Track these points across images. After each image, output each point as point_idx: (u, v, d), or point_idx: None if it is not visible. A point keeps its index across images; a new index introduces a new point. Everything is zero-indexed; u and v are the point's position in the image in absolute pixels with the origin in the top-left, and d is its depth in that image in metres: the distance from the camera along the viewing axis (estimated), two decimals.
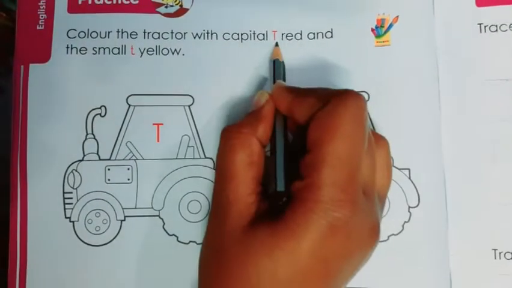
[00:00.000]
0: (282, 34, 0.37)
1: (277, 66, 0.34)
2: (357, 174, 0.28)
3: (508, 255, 0.34)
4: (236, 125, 0.31)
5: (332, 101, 0.28)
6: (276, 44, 0.36)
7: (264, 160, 0.31)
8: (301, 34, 0.37)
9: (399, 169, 0.35)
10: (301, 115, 0.30)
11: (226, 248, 0.28)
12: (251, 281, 0.27)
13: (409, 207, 0.35)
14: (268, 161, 0.31)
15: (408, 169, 0.35)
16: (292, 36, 0.37)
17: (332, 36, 0.37)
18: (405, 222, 0.35)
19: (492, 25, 0.36)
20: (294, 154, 0.30)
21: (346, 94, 0.28)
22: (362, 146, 0.28)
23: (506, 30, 0.36)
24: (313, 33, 0.37)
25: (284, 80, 0.35)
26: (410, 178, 0.35)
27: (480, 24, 0.36)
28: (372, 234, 0.28)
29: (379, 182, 0.30)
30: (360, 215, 0.27)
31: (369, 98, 0.36)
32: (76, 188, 0.35)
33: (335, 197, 0.26)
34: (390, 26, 0.37)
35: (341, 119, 0.27)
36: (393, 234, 0.34)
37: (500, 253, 0.34)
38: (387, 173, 0.31)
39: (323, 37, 0.37)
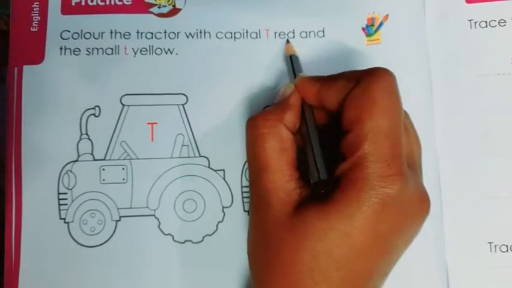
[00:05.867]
0: (275, 33, 0.37)
1: (294, 61, 0.35)
2: (401, 147, 0.28)
3: (504, 248, 0.34)
4: (262, 113, 0.31)
5: (363, 79, 0.28)
6: (287, 41, 0.37)
7: (296, 147, 0.30)
8: (293, 33, 0.37)
9: None
10: (332, 100, 0.30)
11: (275, 237, 0.28)
12: (308, 264, 0.27)
13: None
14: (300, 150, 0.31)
15: None
16: (284, 35, 0.37)
17: (323, 35, 0.37)
18: None
19: (482, 21, 0.37)
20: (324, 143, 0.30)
21: (376, 70, 0.29)
22: (400, 119, 0.28)
23: (495, 26, 0.37)
24: (306, 32, 0.37)
25: (300, 70, 0.35)
26: None
27: (470, 20, 0.37)
28: (423, 205, 0.29)
29: (414, 149, 0.31)
30: (408, 187, 0.27)
31: None
32: (71, 189, 0.35)
33: (382, 172, 0.27)
34: (381, 24, 0.37)
35: (376, 94, 0.28)
36: None
37: (495, 246, 0.34)
38: (416, 139, 0.32)
39: (315, 36, 0.37)
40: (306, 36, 0.37)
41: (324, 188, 0.29)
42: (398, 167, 0.27)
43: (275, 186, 0.29)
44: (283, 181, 0.29)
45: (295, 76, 0.34)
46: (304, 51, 0.37)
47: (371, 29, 0.37)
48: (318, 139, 0.31)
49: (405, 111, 0.31)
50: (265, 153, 0.29)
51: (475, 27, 0.37)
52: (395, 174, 0.27)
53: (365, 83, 0.28)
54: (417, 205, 0.28)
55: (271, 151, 0.29)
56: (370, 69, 0.29)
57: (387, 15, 0.37)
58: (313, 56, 0.37)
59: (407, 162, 0.28)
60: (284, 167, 0.29)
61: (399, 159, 0.27)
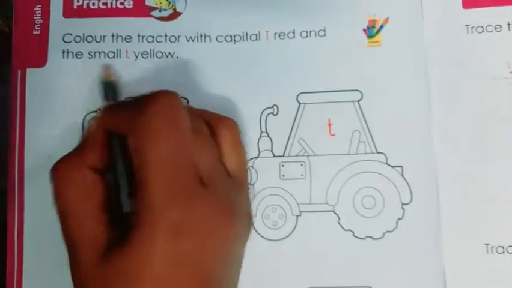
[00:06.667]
0: (275, 34, 0.37)
1: (107, 88, 0.30)
2: (188, 171, 0.27)
3: (500, 250, 0.35)
4: (63, 158, 0.28)
5: (142, 106, 0.27)
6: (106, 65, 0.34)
7: (107, 185, 0.28)
8: (294, 33, 0.37)
9: (392, 167, 0.36)
10: (126, 129, 0.27)
11: (85, 285, 0.27)
12: None
13: (402, 204, 0.35)
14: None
15: (401, 167, 0.36)
16: (285, 35, 0.37)
17: (324, 35, 0.37)
18: (399, 219, 0.35)
19: (478, 26, 0.37)
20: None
21: (155, 95, 0.27)
22: (183, 141, 0.27)
23: (491, 31, 0.37)
24: (306, 32, 0.37)
25: (116, 98, 0.30)
26: (402, 175, 0.35)
27: (467, 25, 0.37)
28: (225, 217, 0.27)
29: (231, 163, 0.30)
30: (203, 207, 0.26)
31: (362, 96, 0.36)
32: None
33: (167, 202, 0.25)
34: (381, 27, 0.37)
35: (152, 120, 0.26)
36: (387, 231, 0.35)
37: (492, 247, 0.35)
38: (237, 152, 0.31)
39: (316, 35, 0.37)
40: (307, 36, 0.37)
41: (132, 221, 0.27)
42: (184, 193, 0.26)
43: (81, 234, 0.27)
44: (89, 227, 0.27)
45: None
46: (305, 50, 0.37)
47: (372, 30, 0.37)
48: (129, 170, 0.27)
49: (228, 124, 0.31)
50: (68, 201, 0.27)
51: (472, 32, 0.37)
52: (181, 200, 0.26)
53: (142, 110, 0.27)
54: (218, 221, 0.27)
55: (74, 199, 0.27)
56: (151, 93, 0.28)
57: (387, 18, 0.37)
58: (314, 55, 0.37)
59: (206, 180, 0.27)
60: (90, 212, 0.27)
61: (185, 184, 0.26)
